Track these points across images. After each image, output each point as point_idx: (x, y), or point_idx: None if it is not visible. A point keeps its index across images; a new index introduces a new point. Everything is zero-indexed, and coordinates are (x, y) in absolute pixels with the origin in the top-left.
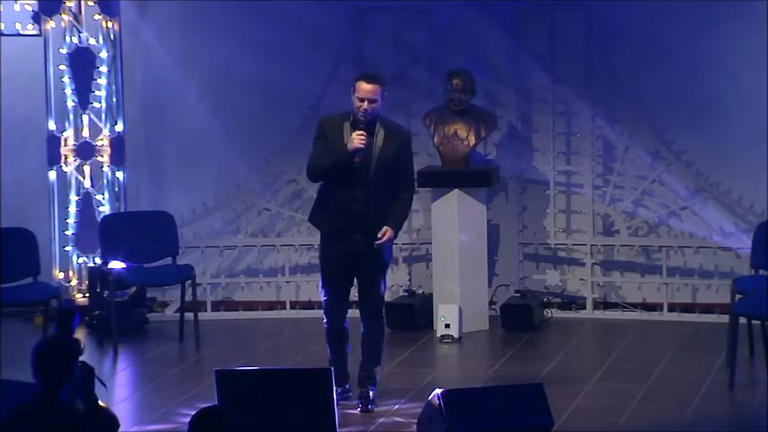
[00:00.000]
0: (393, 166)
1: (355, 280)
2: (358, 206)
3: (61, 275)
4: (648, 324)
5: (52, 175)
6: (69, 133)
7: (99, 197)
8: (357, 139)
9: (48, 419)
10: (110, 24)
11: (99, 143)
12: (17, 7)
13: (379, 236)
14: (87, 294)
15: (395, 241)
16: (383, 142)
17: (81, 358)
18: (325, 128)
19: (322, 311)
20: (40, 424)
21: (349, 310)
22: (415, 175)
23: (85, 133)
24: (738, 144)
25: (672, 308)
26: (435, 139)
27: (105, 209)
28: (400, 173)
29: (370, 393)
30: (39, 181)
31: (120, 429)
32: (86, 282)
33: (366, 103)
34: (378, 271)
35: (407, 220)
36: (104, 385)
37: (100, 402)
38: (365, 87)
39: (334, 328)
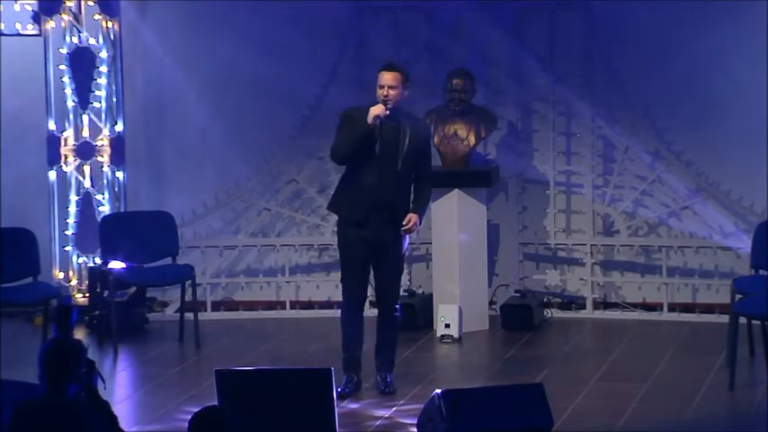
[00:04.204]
0: (417, 158)
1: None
2: (384, 195)
3: (61, 275)
4: (648, 324)
5: (52, 175)
6: (69, 133)
7: (99, 197)
8: (377, 108)
9: (53, 416)
10: (110, 24)
11: (99, 143)
12: (17, 7)
13: (404, 223)
14: (87, 294)
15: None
16: (410, 135)
17: None
18: (351, 116)
19: (340, 293)
20: (46, 421)
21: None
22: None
23: (85, 133)
24: (738, 144)
25: (672, 308)
26: (435, 139)
27: (105, 209)
28: (422, 165)
29: (388, 377)
30: (39, 181)
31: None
32: (86, 282)
33: (386, 89)
34: (396, 260)
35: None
36: (103, 381)
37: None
38: (384, 75)
39: (351, 308)
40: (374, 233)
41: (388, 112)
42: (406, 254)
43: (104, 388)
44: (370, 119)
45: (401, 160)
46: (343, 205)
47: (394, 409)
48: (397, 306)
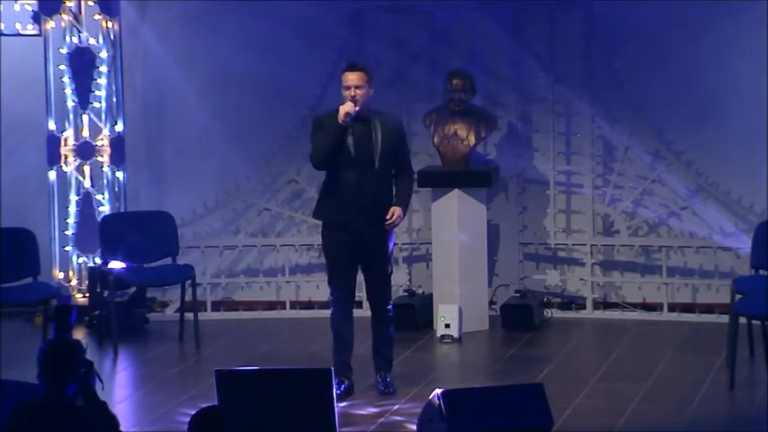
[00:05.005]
0: (394, 153)
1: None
2: (365, 196)
3: (61, 275)
4: (648, 324)
5: (52, 175)
6: (69, 133)
7: (99, 197)
8: (347, 105)
9: (52, 417)
10: (110, 24)
11: (99, 143)
12: (17, 7)
13: (387, 217)
14: (87, 294)
15: (395, 241)
16: (382, 132)
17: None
18: (321, 122)
19: (329, 296)
20: (45, 421)
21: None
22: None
23: (85, 133)
24: (738, 144)
25: (672, 308)
26: (435, 139)
27: (105, 209)
28: (400, 159)
29: (388, 377)
30: (39, 181)
31: (121, 429)
32: (86, 282)
33: (352, 89)
34: (384, 259)
35: (407, 219)
36: (101, 381)
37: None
38: (348, 76)
39: (339, 312)
40: (359, 235)
41: (357, 108)
42: (393, 252)
43: (102, 389)
44: (341, 117)
45: (378, 158)
46: (327, 211)
47: (394, 408)
48: (390, 307)
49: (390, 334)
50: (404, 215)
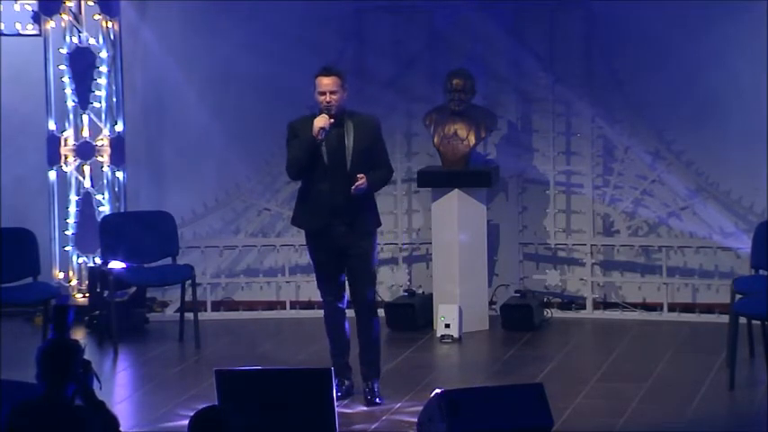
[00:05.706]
0: (368, 154)
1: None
2: (339, 201)
3: (61, 275)
4: (648, 324)
5: (52, 175)
6: (69, 133)
7: (99, 197)
8: (321, 119)
9: (52, 417)
10: (110, 24)
11: (99, 143)
12: (17, 7)
13: (358, 177)
14: (87, 294)
15: (394, 241)
16: (354, 133)
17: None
18: (296, 128)
19: (321, 300)
20: (44, 421)
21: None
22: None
23: (85, 133)
24: (738, 144)
25: (672, 308)
26: (435, 139)
27: (105, 209)
28: (376, 159)
29: (375, 387)
30: (39, 181)
31: (120, 429)
32: (86, 282)
33: (327, 95)
34: (364, 262)
35: (407, 219)
36: (99, 381)
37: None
38: (323, 81)
39: (331, 315)
40: (338, 238)
41: (332, 120)
42: (378, 257)
43: (100, 388)
44: (315, 132)
45: (349, 161)
46: (303, 218)
47: (394, 408)
48: (374, 309)
49: (376, 338)
50: (369, 189)
